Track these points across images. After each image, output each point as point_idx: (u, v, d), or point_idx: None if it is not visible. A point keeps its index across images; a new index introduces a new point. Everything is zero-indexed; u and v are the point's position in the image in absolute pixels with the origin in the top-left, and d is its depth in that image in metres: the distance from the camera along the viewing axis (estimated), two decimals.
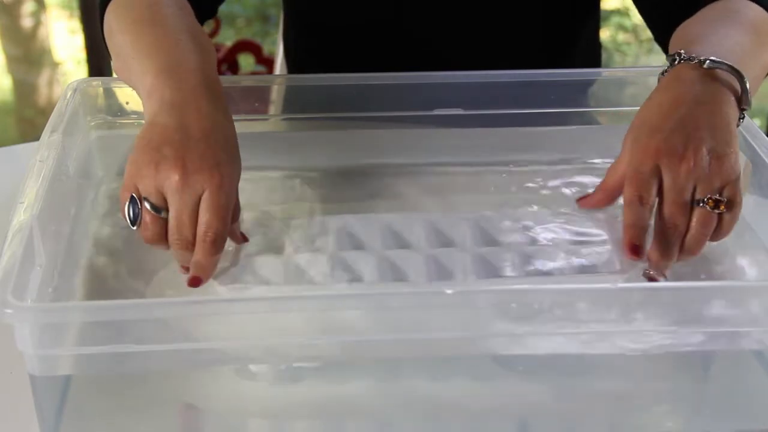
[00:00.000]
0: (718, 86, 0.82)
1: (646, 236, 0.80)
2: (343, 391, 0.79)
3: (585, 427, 0.81)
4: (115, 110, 1.01)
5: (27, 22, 3.50)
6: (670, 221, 0.79)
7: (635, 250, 0.79)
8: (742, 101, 0.83)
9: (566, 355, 0.79)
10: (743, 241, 0.90)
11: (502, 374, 0.79)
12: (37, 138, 0.91)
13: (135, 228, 0.79)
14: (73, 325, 0.74)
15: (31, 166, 0.85)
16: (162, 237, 0.79)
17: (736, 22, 0.90)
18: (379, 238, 0.84)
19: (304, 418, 0.79)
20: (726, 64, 0.83)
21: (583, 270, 0.82)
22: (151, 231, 0.79)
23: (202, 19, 1.03)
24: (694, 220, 0.80)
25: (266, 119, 1.07)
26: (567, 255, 0.83)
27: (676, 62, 0.84)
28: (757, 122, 1.34)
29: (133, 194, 0.79)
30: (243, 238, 0.84)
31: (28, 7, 3.49)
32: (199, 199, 0.77)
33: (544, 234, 0.87)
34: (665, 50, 0.98)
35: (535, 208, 0.95)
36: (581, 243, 0.85)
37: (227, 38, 2.99)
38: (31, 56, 3.47)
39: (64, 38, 3.49)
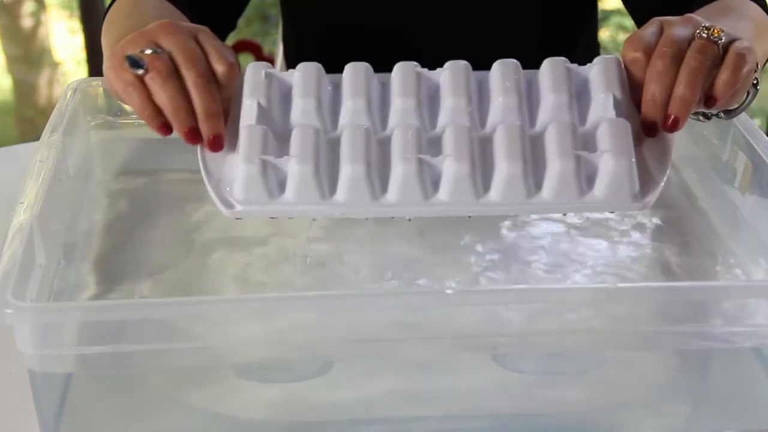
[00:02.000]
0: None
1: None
2: (343, 391, 0.79)
3: (585, 427, 0.81)
4: (115, 110, 1.01)
5: (27, 22, 3.50)
6: (661, 50, 0.78)
7: (654, 130, 0.79)
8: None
9: (566, 354, 0.79)
10: (743, 241, 0.90)
11: (503, 374, 0.79)
12: (37, 138, 0.91)
13: (144, 72, 0.76)
14: (73, 325, 0.74)
15: (31, 166, 0.85)
16: (174, 72, 0.76)
17: (734, 17, 0.90)
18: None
19: (304, 418, 0.79)
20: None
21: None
22: (162, 66, 0.76)
23: (222, 34, 1.05)
24: (690, 49, 0.78)
25: None
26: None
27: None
28: (757, 122, 1.34)
29: (127, 54, 0.77)
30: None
31: (28, 7, 3.49)
32: (195, 39, 0.76)
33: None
34: None
35: None
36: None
37: (227, 38, 2.99)
38: (31, 56, 3.47)
39: (64, 38, 3.49)
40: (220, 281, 0.85)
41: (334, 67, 1.23)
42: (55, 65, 3.42)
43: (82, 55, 3.15)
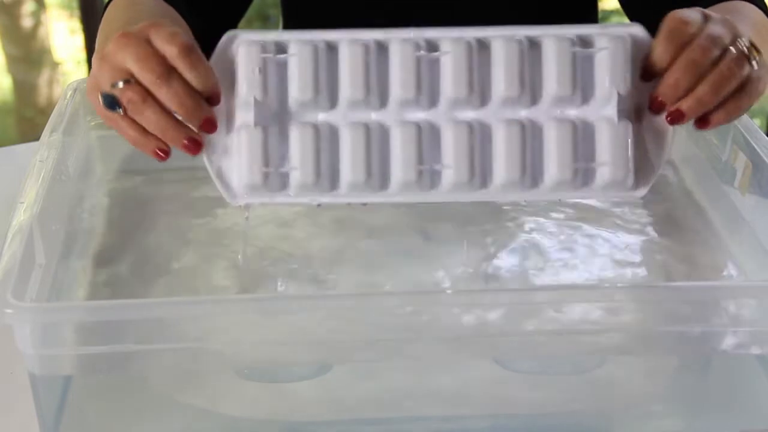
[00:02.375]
0: None
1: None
2: (343, 391, 0.79)
3: (585, 427, 0.81)
4: None
5: (27, 22, 3.50)
6: (703, 42, 0.75)
7: (659, 110, 0.76)
8: None
9: (566, 355, 0.79)
10: (743, 241, 0.90)
11: (503, 374, 0.79)
12: (37, 138, 0.91)
13: (120, 110, 0.76)
14: (73, 325, 0.74)
15: (31, 166, 0.85)
16: (147, 97, 0.75)
17: (736, 20, 0.90)
18: None
19: (304, 418, 0.79)
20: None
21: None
22: (135, 95, 0.75)
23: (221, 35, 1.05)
24: (728, 55, 0.76)
25: None
26: None
27: None
28: (757, 122, 1.34)
29: (101, 95, 0.76)
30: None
31: (28, 7, 3.49)
32: (149, 43, 0.75)
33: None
34: None
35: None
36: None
37: None
38: (31, 56, 3.47)
39: (64, 38, 3.49)
40: (221, 281, 0.85)
41: None
42: (55, 65, 3.41)
43: (82, 55, 3.15)
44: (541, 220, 0.93)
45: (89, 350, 0.73)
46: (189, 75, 0.75)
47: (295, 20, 1.28)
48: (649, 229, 0.93)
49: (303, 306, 0.74)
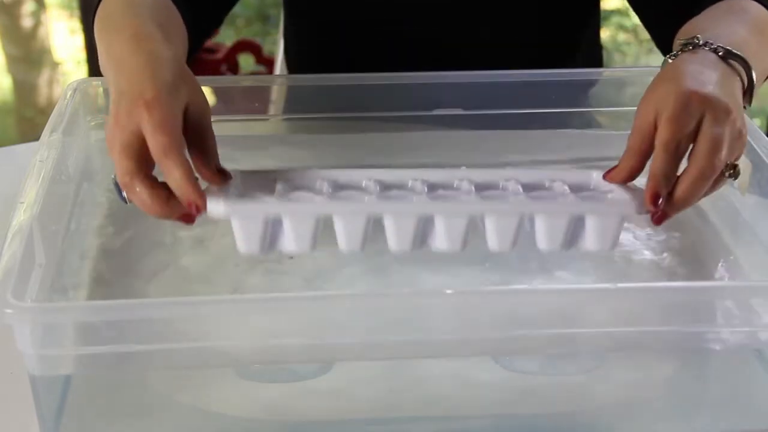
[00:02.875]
0: (732, 72, 0.81)
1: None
2: (343, 391, 0.79)
3: (585, 427, 0.81)
4: None
5: (27, 22, 3.50)
6: (701, 174, 0.75)
7: (656, 200, 0.75)
8: (744, 96, 0.83)
9: (566, 354, 0.79)
10: (743, 241, 0.90)
11: (503, 374, 0.79)
12: (37, 138, 0.91)
13: (129, 203, 0.75)
14: (73, 325, 0.74)
15: (31, 166, 0.85)
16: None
17: (740, 21, 0.90)
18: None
19: (304, 418, 0.79)
20: (740, 57, 0.82)
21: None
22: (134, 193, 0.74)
23: (208, 29, 1.04)
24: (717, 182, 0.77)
25: (266, 119, 1.07)
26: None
27: (690, 48, 0.83)
28: (757, 122, 1.34)
29: (114, 183, 0.76)
30: (221, 176, 0.76)
31: (28, 7, 3.49)
32: (135, 132, 0.73)
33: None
34: (665, 53, 0.98)
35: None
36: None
37: (227, 38, 2.99)
38: (31, 56, 3.47)
39: (64, 38, 3.49)
40: (220, 281, 0.85)
41: (335, 66, 1.23)
42: (55, 65, 3.42)
43: (82, 55, 3.15)
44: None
45: (89, 350, 0.73)
46: (167, 180, 0.73)
47: (296, 20, 1.28)
48: (649, 229, 0.93)
49: (303, 306, 0.74)
